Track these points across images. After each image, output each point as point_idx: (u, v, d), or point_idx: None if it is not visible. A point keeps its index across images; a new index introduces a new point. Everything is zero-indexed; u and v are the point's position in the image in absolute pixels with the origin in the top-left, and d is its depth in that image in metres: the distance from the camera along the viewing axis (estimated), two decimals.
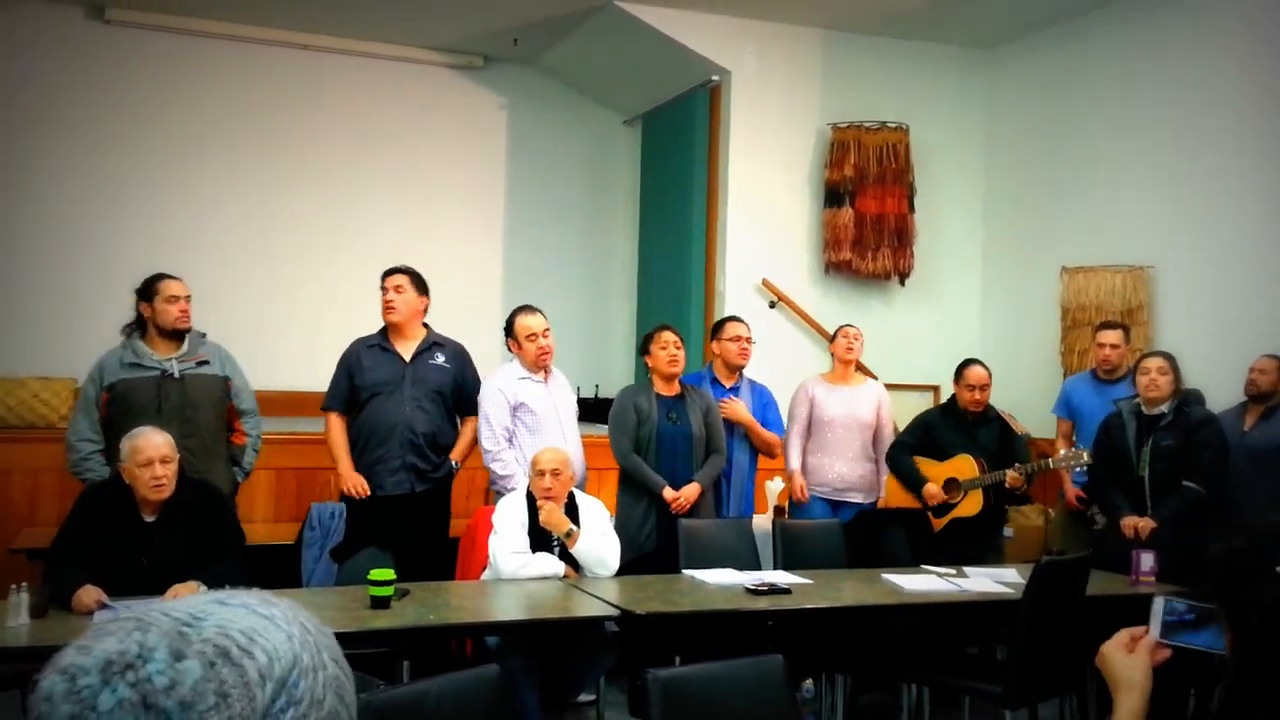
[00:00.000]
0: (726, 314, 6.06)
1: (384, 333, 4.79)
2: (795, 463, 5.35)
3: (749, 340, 5.18)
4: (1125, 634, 1.54)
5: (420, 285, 4.82)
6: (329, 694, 0.78)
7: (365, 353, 4.73)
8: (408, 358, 4.70)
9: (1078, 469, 5.10)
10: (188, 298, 4.40)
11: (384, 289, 4.76)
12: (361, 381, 4.68)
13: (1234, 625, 1.24)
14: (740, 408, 5.07)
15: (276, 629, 0.78)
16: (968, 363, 5.23)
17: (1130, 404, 4.88)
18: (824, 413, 5.34)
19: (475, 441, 4.79)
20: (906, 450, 5.29)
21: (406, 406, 4.61)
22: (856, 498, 5.31)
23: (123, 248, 7.11)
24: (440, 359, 4.75)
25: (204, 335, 4.57)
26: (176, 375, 4.33)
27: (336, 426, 4.69)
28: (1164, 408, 4.74)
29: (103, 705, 0.69)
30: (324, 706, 0.78)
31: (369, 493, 4.56)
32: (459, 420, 4.87)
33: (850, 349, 5.41)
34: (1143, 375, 4.79)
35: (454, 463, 4.76)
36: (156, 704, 0.70)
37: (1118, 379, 5.50)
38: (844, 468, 5.30)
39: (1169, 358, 4.84)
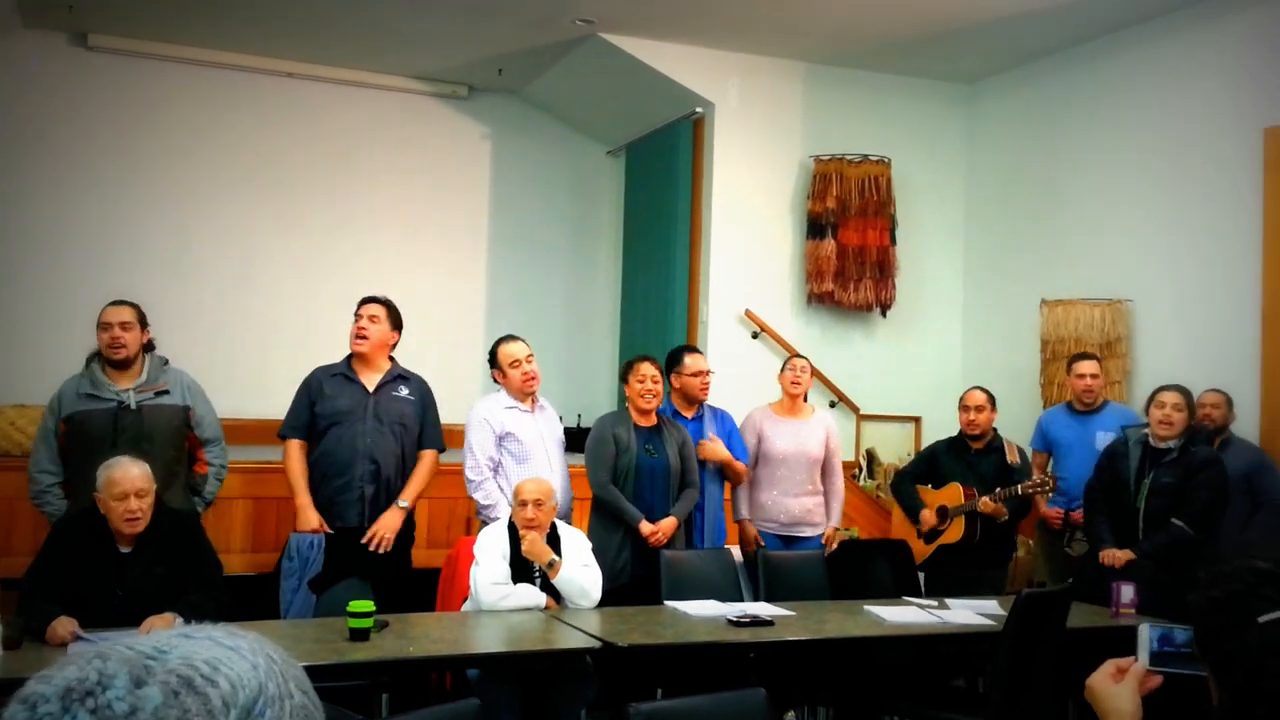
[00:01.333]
0: (711, 346, 6.08)
1: (348, 361, 4.69)
2: (745, 511, 5.25)
3: (710, 372, 5.14)
4: (1112, 665, 1.52)
5: (395, 319, 4.73)
6: None
7: (328, 381, 4.61)
8: (371, 388, 4.61)
9: (1046, 493, 5.12)
10: (123, 324, 4.27)
11: (358, 316, 4.68)
12: (322, 410, 4.55)
13: (1217, 678, 1.21)
14: (720, 447, 5.01)
15: (241, 659, 0.78)
16: (970, 388, 5.34)
17: (1138, 433, 4.85)
18: (773, 447, 5.23)
19: (428, 478, 4.70)
20: (909, 479, 5.38)
21: (368, 438, 4.52)
22: (806, 531, 5.24)
23: (102, 275, 7.06)
24: (404, 391, 4.65)
25: (166, 362, 4.49)
26: (133, 406, 4.26)
27: (296, 455, 4.56)
28: (1171, 443, 4.72)
29: None
30: None
31: (328, 531, 4.45)
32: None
33: (797, 382, 5.32)
34: (1158, 409, 4.74)
35: (403, 502, 4.57)
36: None
37: (1095, 409, 5.54)
38: (791, 503, 5.21)
39: (1185, 393, 4.79)
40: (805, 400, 5.46)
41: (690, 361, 5.13)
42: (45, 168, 7.14)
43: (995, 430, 5.26)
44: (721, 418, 5.16)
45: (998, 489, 4.95)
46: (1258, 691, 1.13)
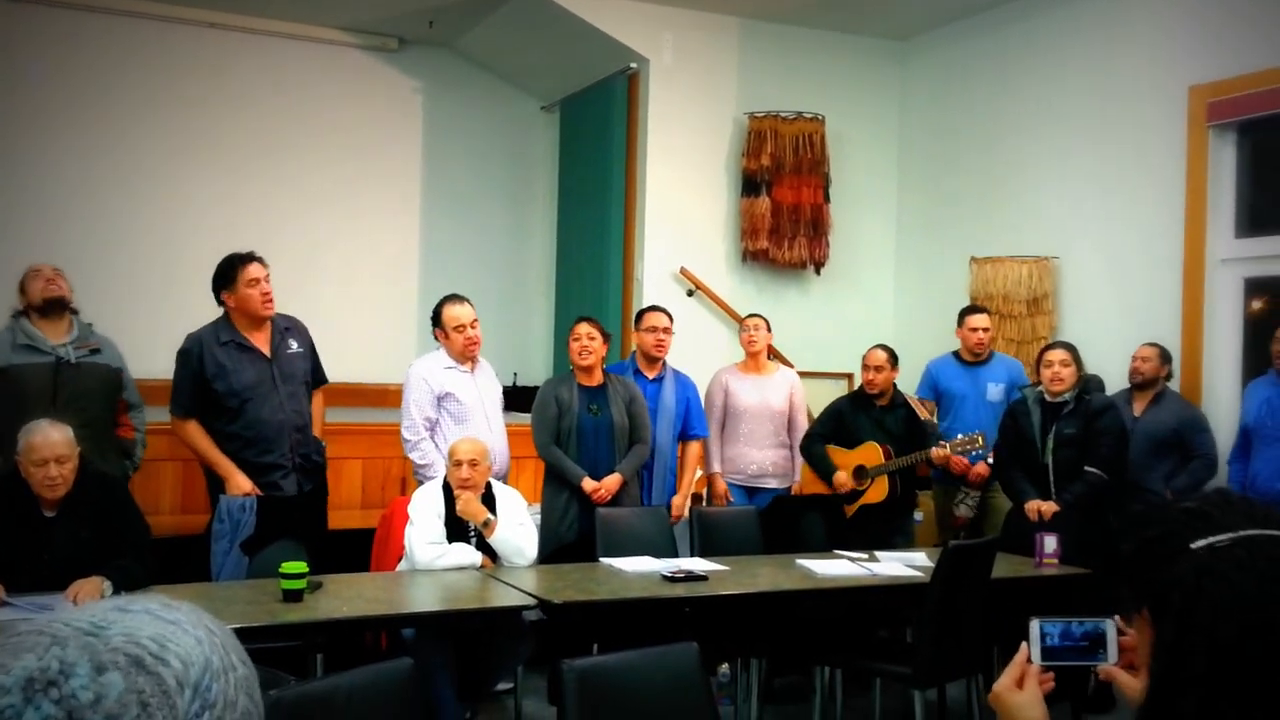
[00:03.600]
0: (646, 303, 6.08)
1: (229, 325, 4.41)
2: (716, 465, 5.43)
3: (666, 331, 5.20)
4: (1015, 669, 1.50)
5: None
6: (241, 694, 0.78)
7: (220, 351, 4.34)
8: (266, 352, 4.44)
9: (973, 453, 5.23)
10: (55, 270, 4.37)
11: (256, 280, 4.36)
12: (228, 387, 4.32)
13: (1154, 613, 1.24)
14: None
15: (184, 634, 0.77)
16: (873, 346, 5.42)
17: (1034, 392, 5.05)
18: (738, 402, 5.43)
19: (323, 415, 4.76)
20: (819, 440, 5.40)
21: (287, 406, 4.42)
22: (771, 483, 5.42)
23: (17, 233, 6.84)
24: (294, 345, 4.55)
25: (91, 325, 4.46)
26: (73, 361, 4.23)
27: (199, 433, 4.33)
28: (1066, 396, 4.91)
29: None
30: (237, 708, 0.77)
31: (259, 493, 4.32)
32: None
33: (752, 340, 5.52)
34: (1046, 369, 4.95)
35: (321, 443, 4.65)
36: (83, 718, 0.69)
37: (983, 360, 5.74)
38: (758, 455, 5.40)
39: (1070, 349, 5.01)
40: (770, 357, 5.67)
41: (648, 317, 5.26)
42: None
43: (896, 386, 5.37)
44: (683, 382, 5.26)
45: (943, 441, 5.06)
46: (1194, 623, 1.16)
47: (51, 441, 3.48)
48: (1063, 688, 1.55)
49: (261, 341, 4.45)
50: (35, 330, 4.26)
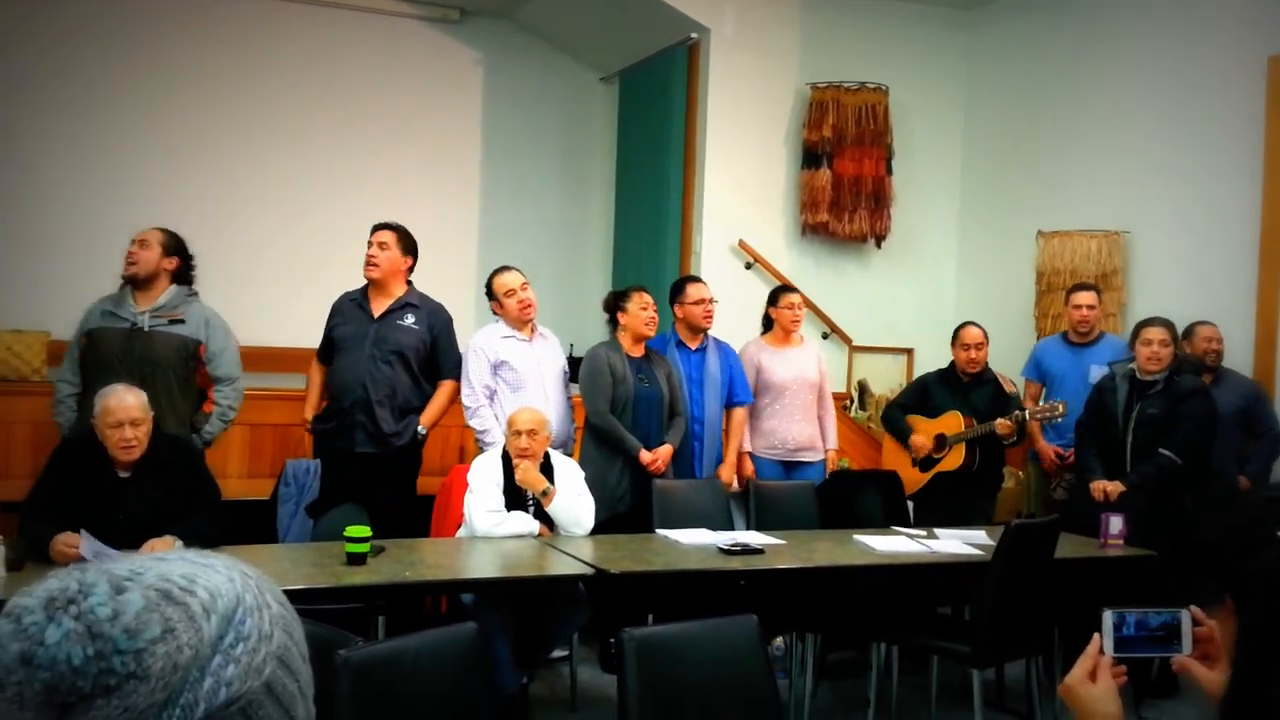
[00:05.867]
0: (699, 275, 6.06)
1: (366, 288, 4.78)
2: (749, 443, 5.35)
3: (713, 301, 5.17)
4: (1088, 661, 1.47)
5: (407, 244, 4.77)
6: (277, 630, 0.81)
7: (346, 306, 4.78)
8: (377, 315, 4.68)
9: (1053, 422, 5.16)
10: (141, 241, 4.43)
11: (369, 244, 4.75)
12: (334, 335, 4.74)
13: (1238, 601, 1.22)
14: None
15: (216, 573, 0.80)
16: (964, 324, 5.36)
17: (1125, 368, 4.90)
18: (774, 377, 5.35)
19: (446, 407, 4.79)
20: (899, 409, 5.46)
21: (363, 365, 4.59)
22: (809, 456, 5.38)
23: (96, 202, 6.99)
24: (410, 320, 4.69)
25: (194, 294, 4.54)
26: (145, 329, 4.32)
27: (313, 373, 4.87)
28: (1158, 375, 4.77)
29: (50, 638, 0.72)
30: (273, 640, 0.80)
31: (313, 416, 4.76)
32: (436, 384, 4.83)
33: (797, 319, 5.45)
34: (1144, 346, 4.79)
35: (421, 429, 4.70)
36: (103, 633, 0.72)
37: (1090, 341, 5.58)
38: (795, 429, 5.34)
39: (1170, 327, 4.84)
40: (827, 334, 5.62)
41: (693, 290, 5.18)
42: (36, 96, 6.93)
43: (985, 363, 5.31)
44: (725, 351, 5.24)
45: (1015, 412, 5.00)
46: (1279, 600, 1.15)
47: (126, 404, 3.57)
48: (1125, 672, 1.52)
49: (378, 306, 4.71)
50: (126, 298, 4.40)
